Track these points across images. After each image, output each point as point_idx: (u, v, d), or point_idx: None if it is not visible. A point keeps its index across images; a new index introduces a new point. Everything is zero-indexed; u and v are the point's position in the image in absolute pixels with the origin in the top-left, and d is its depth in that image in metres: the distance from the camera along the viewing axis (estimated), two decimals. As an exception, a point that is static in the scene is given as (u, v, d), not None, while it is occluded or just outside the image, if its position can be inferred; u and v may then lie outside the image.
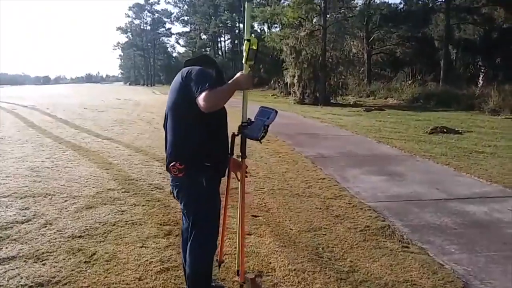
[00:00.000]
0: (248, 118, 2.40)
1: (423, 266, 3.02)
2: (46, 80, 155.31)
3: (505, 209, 4.29)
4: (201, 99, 2.07)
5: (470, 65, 28.97)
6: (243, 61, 2.31)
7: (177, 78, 2.29)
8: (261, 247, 3.34)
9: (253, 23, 49.30)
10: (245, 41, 2.28)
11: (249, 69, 2.35)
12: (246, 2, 2.37)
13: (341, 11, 30.87)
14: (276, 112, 2.37)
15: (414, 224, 3.93)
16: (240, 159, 2.51)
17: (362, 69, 31.51)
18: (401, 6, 31.97)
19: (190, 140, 2.23)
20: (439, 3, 29.36)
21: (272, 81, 34.77)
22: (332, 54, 23.96)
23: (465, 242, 3.49)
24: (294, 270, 2.93)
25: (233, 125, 2.39)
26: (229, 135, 2.43)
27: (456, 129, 10.41)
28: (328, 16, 26.66)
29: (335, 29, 27.88)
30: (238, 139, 2.43)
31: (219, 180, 2.44)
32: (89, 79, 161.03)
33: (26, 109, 15.53)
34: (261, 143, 2.41)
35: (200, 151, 2.24)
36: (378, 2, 32.52)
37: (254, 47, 2.25)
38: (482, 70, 24.03)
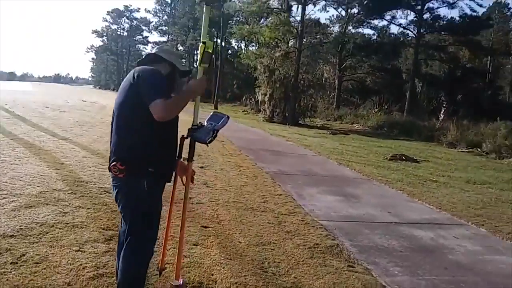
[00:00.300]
0: (199, 122, 2.35)
1: (365, 286, 3.02)
2: (11, 76, 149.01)
3: (450, 236, 4.39)
4: (154, 108, 2.05)
5: (434, 99, 30.38)
6: (197, 64, 2.32)
7: (128, 77, 2.23)
8: (205, 258, 3.23)
9: (231, 40, 49.82)
10: (201, 44, 2.28)
11: (202, 73, 2.33)
12: (204, 6, 2.39)
13: (317, 36, 31.80)
14: (228, 117, 2.35)
15: (362, 244, 3.95)
16: (187, 163, 2.43)
17: (333, 94, 32.30)
18: (375, 37, 33.33)
19: (134, 141, 2.17)
20: (410, 38, 30.78)
21: (244, 98, 34.99)
22: (305, 76, 24.45)
23: (409, 265, 3.52)
24: (236, 283, 2.85)
25: (185, 129, 2.33)
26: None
27: (414, 158, 10.73)
28: (304, 40, 27.34)
29: (310, 53, 28.65)
30: (187, 143, 2.36)
31: (163, 185, 2.36)
32: (58, 79, 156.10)
33: (-18, 103, 14.76)
34: (207, 146, 2.35)
35: (143, 154, 2.17)
36: (353, 31, 33.74)
37: (209, 50, 2.27)
38: (444, 105, 25.24)
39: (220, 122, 2.31)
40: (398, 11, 29.78)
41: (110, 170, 2.21)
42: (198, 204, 4.70)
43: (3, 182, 4.60)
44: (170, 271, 2.88)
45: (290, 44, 29.03)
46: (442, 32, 29.44)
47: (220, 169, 6.90)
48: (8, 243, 3.04)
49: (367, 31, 49.85)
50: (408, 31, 30.64)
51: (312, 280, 3.03)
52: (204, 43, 2.27)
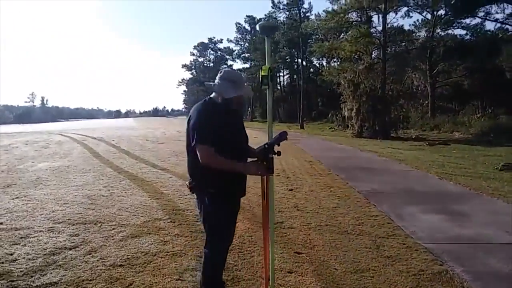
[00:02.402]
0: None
1: (485, 321, 2.63)
2: (117, 114, 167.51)
3: None
4: (198, 152, 2.38)
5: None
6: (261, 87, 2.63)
7: (190, 115, 2.56)
8: (301, 287, 3.13)
9: (312, 58, 49.86)
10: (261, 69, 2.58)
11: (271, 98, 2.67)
12: (266, 38, 2.69)
13: (402, 44, 30.29)
14: (285, 132, 2.56)
15: (477, 270, 3.49)
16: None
17: (426, 102, 30.24)
18: (468, 37, 30.63)
19: (196, 168, 2.48)
20: (510, 32, 27.73)
21: (330, 114, 34.46)
22: (393, 87, 23.35)
23: (539, 295, 3.01)
24: (335, 315, 2.69)
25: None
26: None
27: (532, 166, 9.41)
28: (388, 49, 26.24)
29: (395, 62, 27.26)
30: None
31: (232, 205, 2.64)
32: (156, 112, 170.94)
33: (95, 140, 16.67)
34: (277, 155, 2.55)
35: (204, 177, 2.49)
36: (442, 34, 31.43)
37: (263, 73, 2.54)
38: None
39: (274, 139, 2.55)
40: (493, 6, 27.08)
41: (187, 186, 2.64)
42: (289, 228, 4.63)
43: (112, 213, 5.06)
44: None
45: (373, 55, 28.08)
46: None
47: (310, 191, 6.76)
48: (117, 273, 3.29)
49: (458, 31, 46.15)
50: (507, 26, 27.64)
51: (421, 313, 2.74)
52: (261, 68, 2.55)
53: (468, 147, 15.55)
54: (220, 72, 2.59)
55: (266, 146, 2.52)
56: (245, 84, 2.66)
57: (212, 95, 2.60)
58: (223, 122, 2.47)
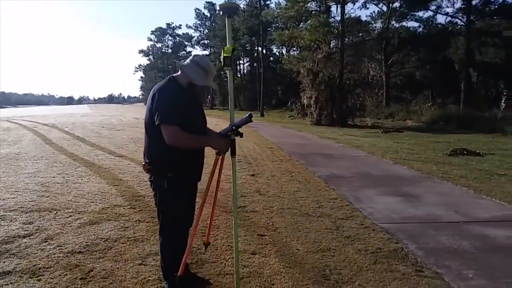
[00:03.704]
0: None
1: (437, 292, 2.81)
2: (69, 101, 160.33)
3: (528, 234, 4.01)
4: (163, 132, 2.32)
5: (492, 87, 28.41)
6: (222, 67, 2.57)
7: (150, 97, 2.47)
8: (265, 267, 3.18)
9: (271, 46, 49.98)
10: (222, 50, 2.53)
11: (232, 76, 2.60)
12: (226, 18, 2.63)
13: (359, 34, 31.06)
14: (250, 115, 2.57)
15: (429, 247, 3.70)
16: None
17: (381, 91, 31.27)
18: (420, 29, 31.94)
19: (156, 149, 2.46)
20: (459, 26, 29.21)
21: (289, 103, 34.81)
22: (350, 76, 23.87)
23: (484, 267, 3.24)
24: (298, 292, 2.76)
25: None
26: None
27: (477, 151, 10.06)
28: (346, 39, 26.78)
29: (353, 52, 27.92)
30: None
31: (189, 188, 2.64)
32: (111, 99, 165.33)
33: (46, 127, 15.85)
34: (239, 137, 2.58)
35: (162, 160, 2.45)
36: (397, 25, 32.53)
37: (225, 54, 2.49)
38: (505, 93, 23.41)
39: (240, 120, 2.54)
40: (444, 0, 28.46)
41: (143, 167, 2.58)
42: (252, 212, 4.67)
43: (69, 200, 4.86)
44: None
45: (332, 44, 28.54)
46: (494, 17, 27.67)
47: (272, 176, 6.84)
48: (76, 259, 3.18)
49: (412, 24, 48.04)
50: (457, 20, 29.15)
51: (378, 287, 2.87)
52: (223, 49, 2.49)
53: (420, 134, 16.31)
54: (194, 56, 2.57)
55: (233, 127, 2.51)
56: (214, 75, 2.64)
57: (176, 75, 2.54)
58: (186, 103, 2.44)
